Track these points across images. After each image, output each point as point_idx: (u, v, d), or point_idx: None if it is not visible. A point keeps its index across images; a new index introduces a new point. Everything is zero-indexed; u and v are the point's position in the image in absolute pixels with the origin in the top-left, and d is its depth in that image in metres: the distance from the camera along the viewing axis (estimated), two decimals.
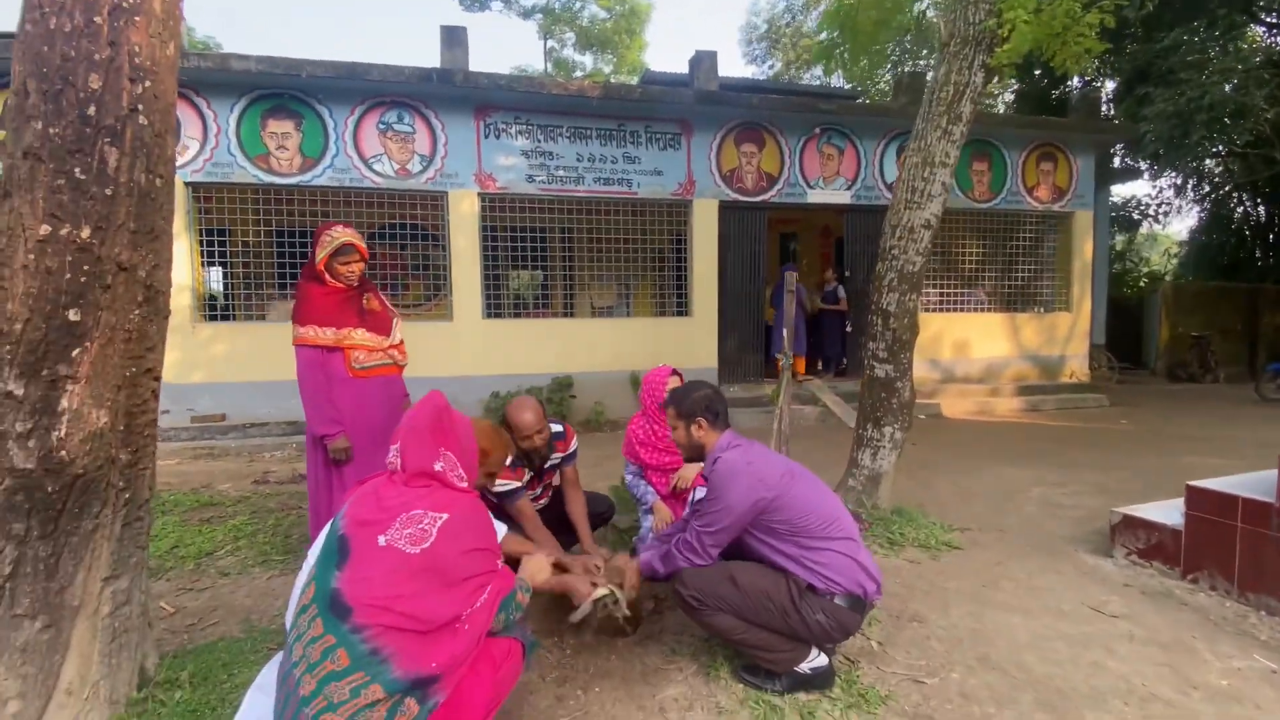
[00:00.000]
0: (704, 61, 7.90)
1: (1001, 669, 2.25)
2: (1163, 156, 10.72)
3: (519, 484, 2.74)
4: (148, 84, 1.84)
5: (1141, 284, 16.83)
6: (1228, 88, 9.15)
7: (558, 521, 2.92)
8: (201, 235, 7.05)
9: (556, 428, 2.89)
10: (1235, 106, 8.93)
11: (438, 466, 1.66)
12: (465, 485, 1.70)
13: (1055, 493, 4.55)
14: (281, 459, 6.18)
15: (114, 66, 1.76)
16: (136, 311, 1.84)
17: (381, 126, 7.06)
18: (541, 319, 8.48)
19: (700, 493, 2.83)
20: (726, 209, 8.07)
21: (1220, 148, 11.39)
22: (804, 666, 2.08)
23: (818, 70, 17.98)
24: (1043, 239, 9.69)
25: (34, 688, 1.72)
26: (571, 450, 2.95)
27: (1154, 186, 16.10)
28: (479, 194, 7.36)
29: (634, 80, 17.23)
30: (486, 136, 7.32)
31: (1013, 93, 15.65)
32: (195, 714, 1.97)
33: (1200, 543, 2.79)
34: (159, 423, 6.83)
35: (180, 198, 6.66)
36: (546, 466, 2.89)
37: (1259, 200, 15.23)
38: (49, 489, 1.71)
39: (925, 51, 15.18)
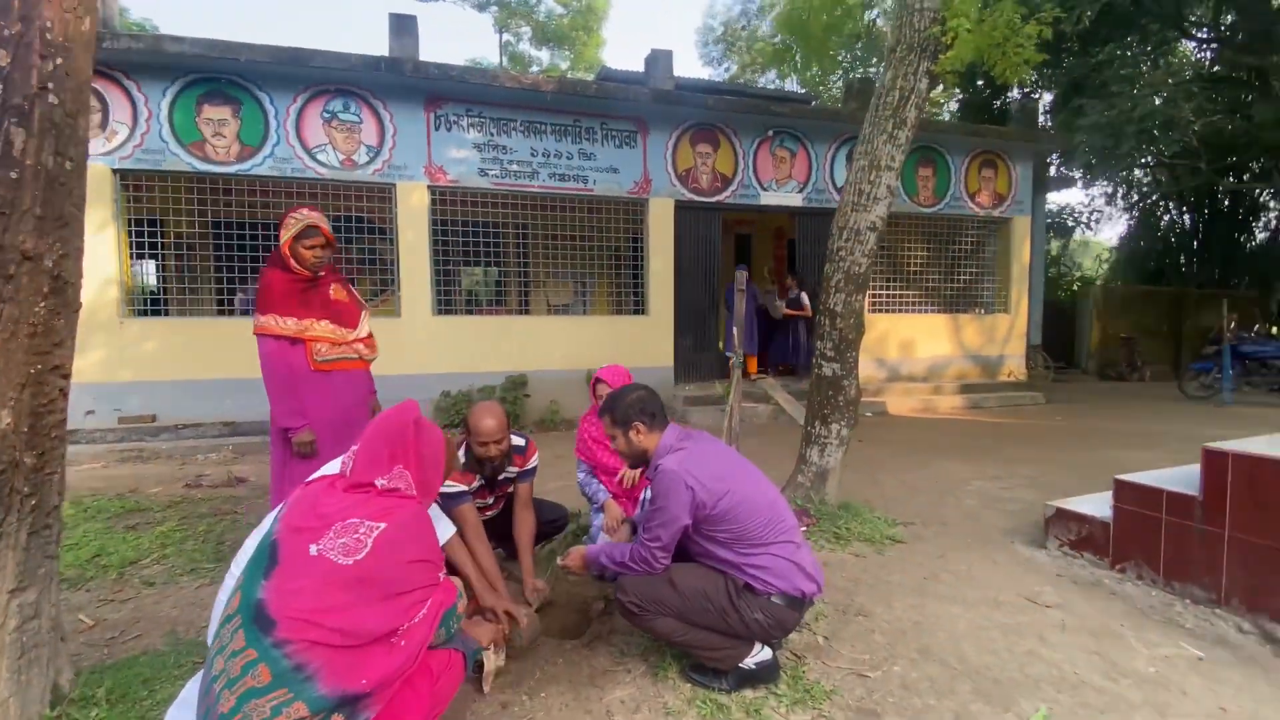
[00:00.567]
0: (660, 60, 7.91)
1: (941, 660, 2.31)
2: (1095, 166, 11.30)
3: (464, 488, 2.66)
4: (60, 61, 1.71)
5: (1075, 288, 17.71)
6: (1158, 101, 9.69)
7: (507, 533, 2.86)
8: (130, 225, 6.66)
9: (518, 441, 2.81)
10: (1164, 119, 9.46)
11: (379, 482, 1.60)
12: (411, 495, 1.63)
13: (994, 487, 4.72)
14: (216, 461, 5.90)
15: (24, 43, 1.64)
16: (42, 304, 1.71)
17: (326, 115, 6.80)
18: (495, 316, 8.34)
19: (650, 494, 2.82)
20: (682, 208, 8.11)
21: (1149, 159, 12.08)
22: (749, 662, 2.09)
23: (772, 74, 18.27)
24: (984, 243, 10.08)
25: None
26: (529, 467, 2.86)
27: (1087, 195, 17.07)
28: (429, 187, 7.18)
29: (591, 77, 17.18)
30: (437, 128, 7.15)
31: (957, 101, 16.25)
32: None
33: (1128, 534, 2.93)
34: (83, 424, 6.38)
35: (107, 186, 6.29)
36: (501, 479, 2.80)
37: (1184, 210, 16.24)
38: None
39: (875, 59, 15.61)
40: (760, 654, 2.11)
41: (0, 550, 1.67)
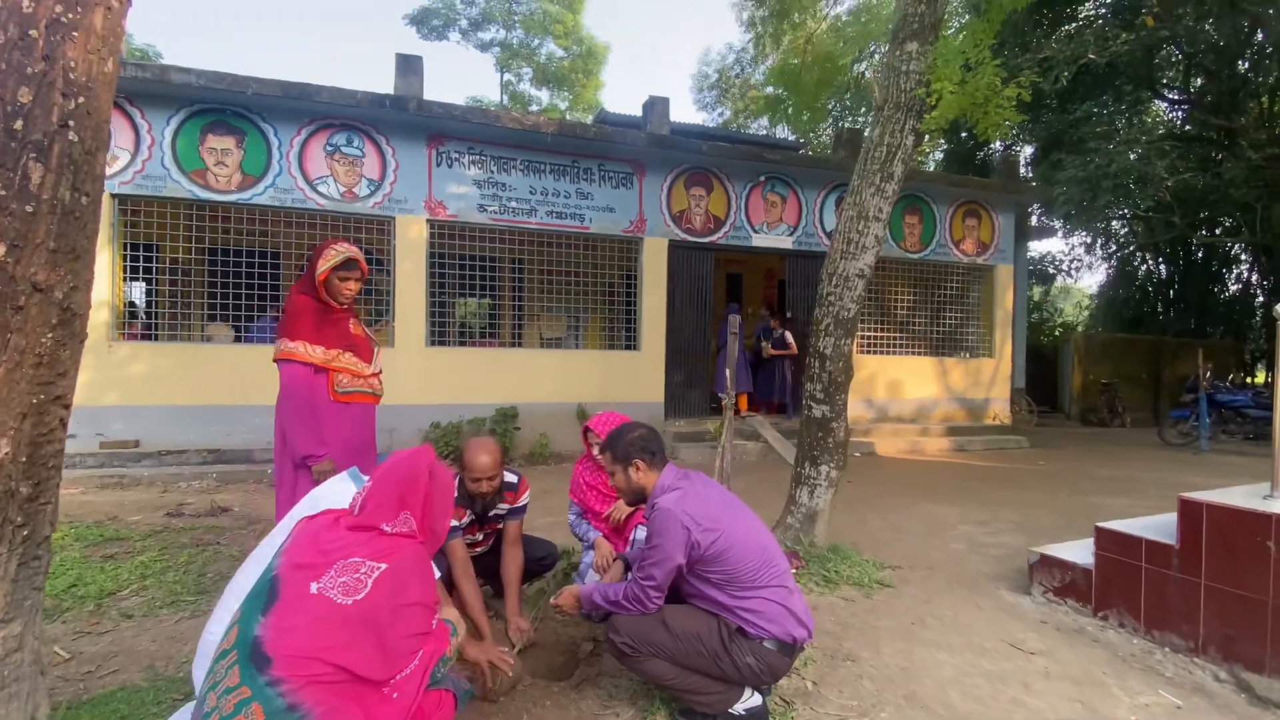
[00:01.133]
0: (657, 106, 8.18)
1: (928, 707, 2.31)
2: (1074, 217, 11.68)
3: (456, 523, 2.66)
4: (81, 100, 1.77)
5: (1056, 333, 18.09)
6: (1133, 156, 10.10)
7: (495, 569, 2.85)
8: (126, 250, 6.68)
9: (511, 478, 2.82)
10: (1139, 174, 9.85)
11: (386, 528, 1.61)
12: (413, 534, 1.65)
13: (979, 531, 4.76)
14: (199, 490, 5.81)
15: (46, 81, 1.69)
16: (49, 335, 1.73)
17: (329, 148, 6.93)
18: (488, 349, 8.38)
19: (641, 532, 2.83)
20: (676, 248, 8.27)
21: (1125, 211, 12.51)
22: (738, 708, 2.09)
23: (764, 120, 18.86)
24: (968, 289, 10.32)
25: None
26: (520, 505, 2.86)
27: (1067, 244, 17.57)
28: (428, 220, 7.29)
29: (589, 118, 17.58)
30: (439, 164, 7.30)
31: (942, 152, 16.82)
32: None
33: (1109, 581, 2.97)
34: (68, 448, 6.33)
35: (105, 210, 6.31)
36: (490, 515, 2.81)
37: (1160, 260, 16.75)
38: None
39: (863, 109, 16.16)
40: (750, 700, 2.11)
41: None
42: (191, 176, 6.57)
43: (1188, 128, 13.08)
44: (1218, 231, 14.29)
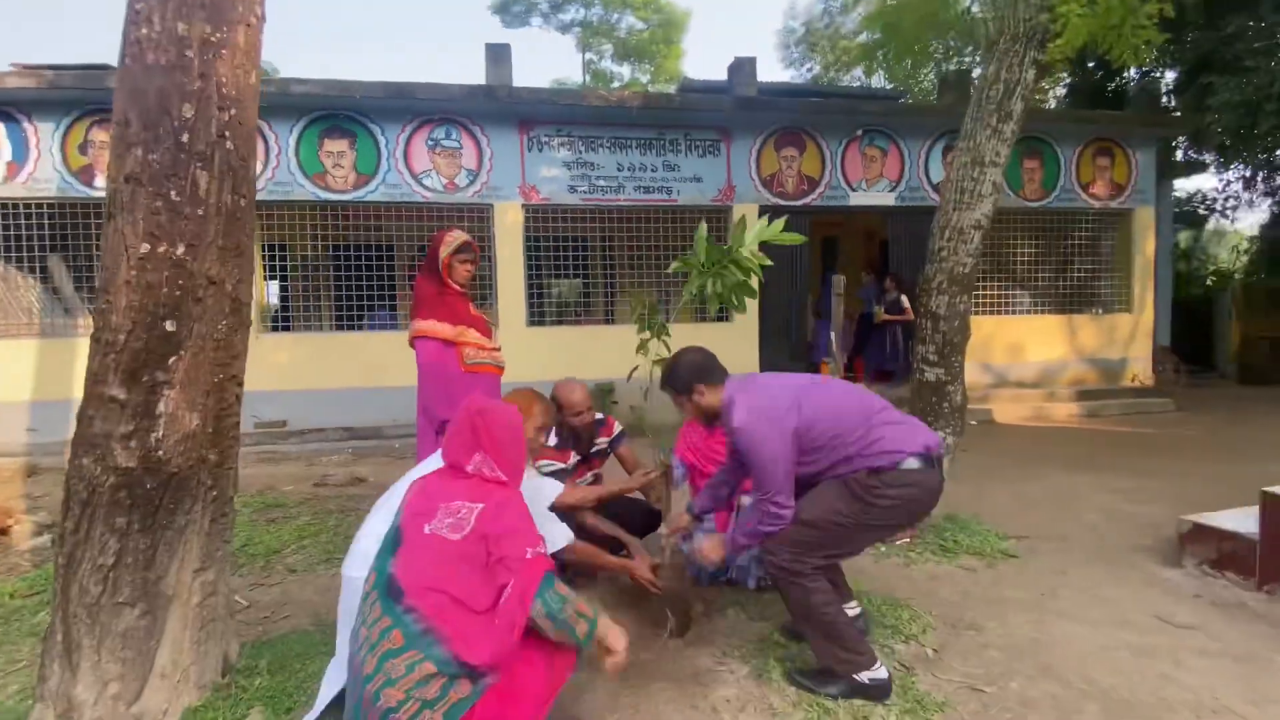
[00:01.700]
0: (743, 68, 7.94)
1: (1064, 679, 2.19)
2: (1230, 148, 10.21)
3: (564, 466, 2.85)
4: (234, 112, 1.99)
5: (1210, 282, 15.97)
6: None
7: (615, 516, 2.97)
8: (264, 250, 7.42)
9: (599, 415, 3.03)
10: None
11: (469, 467, 1.74)
12: (504, 479, 1.76)
13: (1119, 500, 4.38)
14: (338, 463, 6.43)
15: (204, 96, 1.92)
16: (224, 322, 1.98)
17: (430, 143, 7.32)
18: (583, 326, 8.60)
19: (747, 499, 2.83)
20: (767, 214, 8.03)
21: None
22: (864, 676, 2.06)
23: (858, 72, 17.78)
24: (1100, 237, 9.33)
25: (132, 670, 1.87)
26: (617, 434, 3.09)
27: (1221, 180, 15.30)
28: (523, 205, 7.54)
29: (671, 88, 17.33)
30: (530, 150, 7.51)
31: (1064, 87, 15.11)
32: (274, 700, 2.10)
33: (1277, 552, 2.66)
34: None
35: None
36: (593, 452, 2.99)
37: None
38: (148, 486, 1.85)
39: (970, 50, 14.84)
40: (877, 670, 2.07)
41: (188, 534, 1.95)
42: (313, 180, 7.16)
43: None
44: None
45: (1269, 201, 15.59)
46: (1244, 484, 4.50)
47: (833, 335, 2.77)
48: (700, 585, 2.89)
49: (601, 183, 7.67)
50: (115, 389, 1.83)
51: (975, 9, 8.63)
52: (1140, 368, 9.28)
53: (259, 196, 7.06)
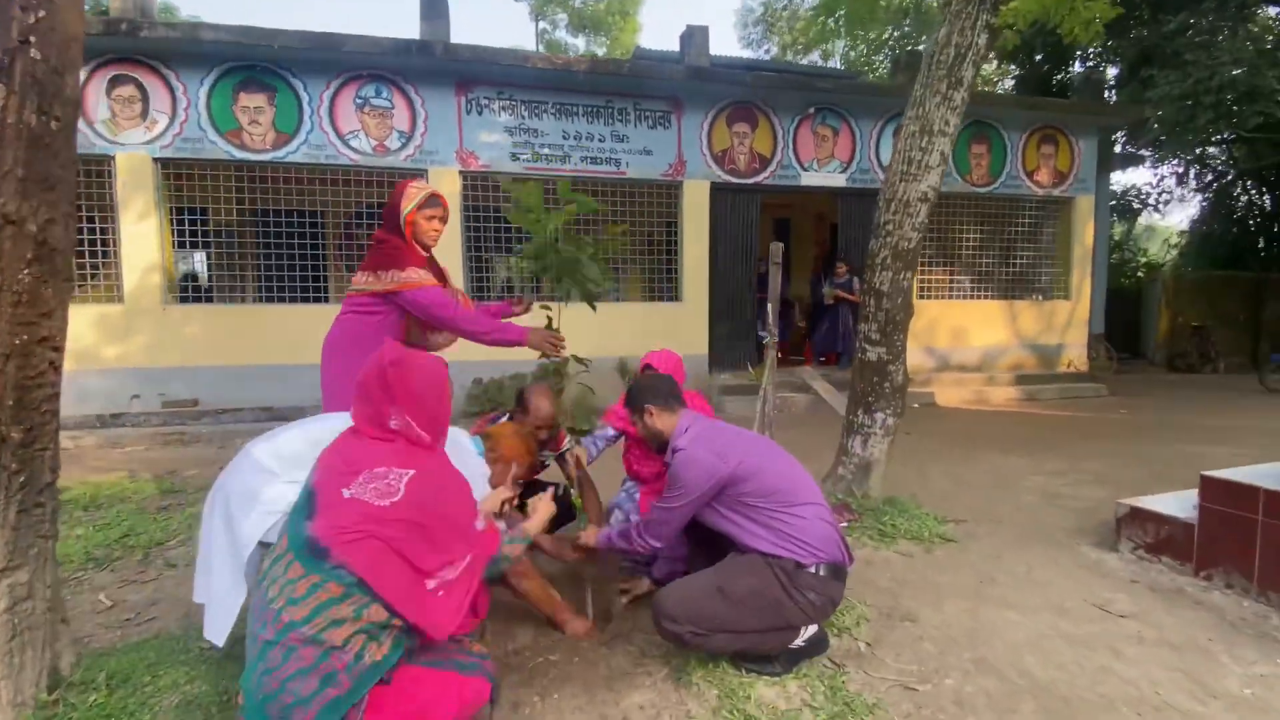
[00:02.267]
0: (695, 36, 7.64)
1: (1000, 673, 2.06)
2: (1166, 141, 10.52)
3: None
4: (42, 14, 1.61)
5: (1140, 274, 16.65)
6: (1237, 71, 8.91)
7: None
8: (173, 214, 6.78)
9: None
10: (1246, 89, 8.69)
11: (393, 424, 1.57)
12: (427, 439, 1.59)
13: (1055, 482, 4.37)
14: None
15: None
16: (26, 271, 1.62)
17: (358, 101, 6.78)
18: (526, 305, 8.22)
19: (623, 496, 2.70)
20: (718, 190, 7.83)
21: (1227, 132, 11.17)
22: (798, 642, 2.02)
23: (815, 56, 17.69)
24: (1042, 224, 9.48)
25: None
26: (562, 451, 2.88)
27: (1155, 174, 15.91)
28: (460, 172, 7.10)
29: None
30: (468, 113, 7.05)
31: (1012, 78, 15.38)
32: (109, 719, 1.78)
33: (1215, 537, 2.60)
34: (129, 407, 6.49)
35: (148, 174, 6.41)
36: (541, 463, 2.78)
37: (1264, 189, 15.02)
38: None
39: (924, 37, 14.89)
40: (808, 631, 2.02)
41: None
42: (228, 137, 6.55)
43: None
44: None
45: (1200, 197, 16.31)
46: (1176, 467, 4.57)
47: (769, 308, 2.58)
48: (627, 570, 2.69)
49: (546, 150, 7.29)
50: None
51: None
52: (1076, 354, 9.52)
53: (165, 154, 6.47)
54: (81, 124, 6.18)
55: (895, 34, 14.92)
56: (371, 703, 1.36)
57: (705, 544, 2.18)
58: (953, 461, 4.96)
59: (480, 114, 7.08)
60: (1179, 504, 2.84)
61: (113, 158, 6.32)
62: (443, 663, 1.51)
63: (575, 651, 2.20)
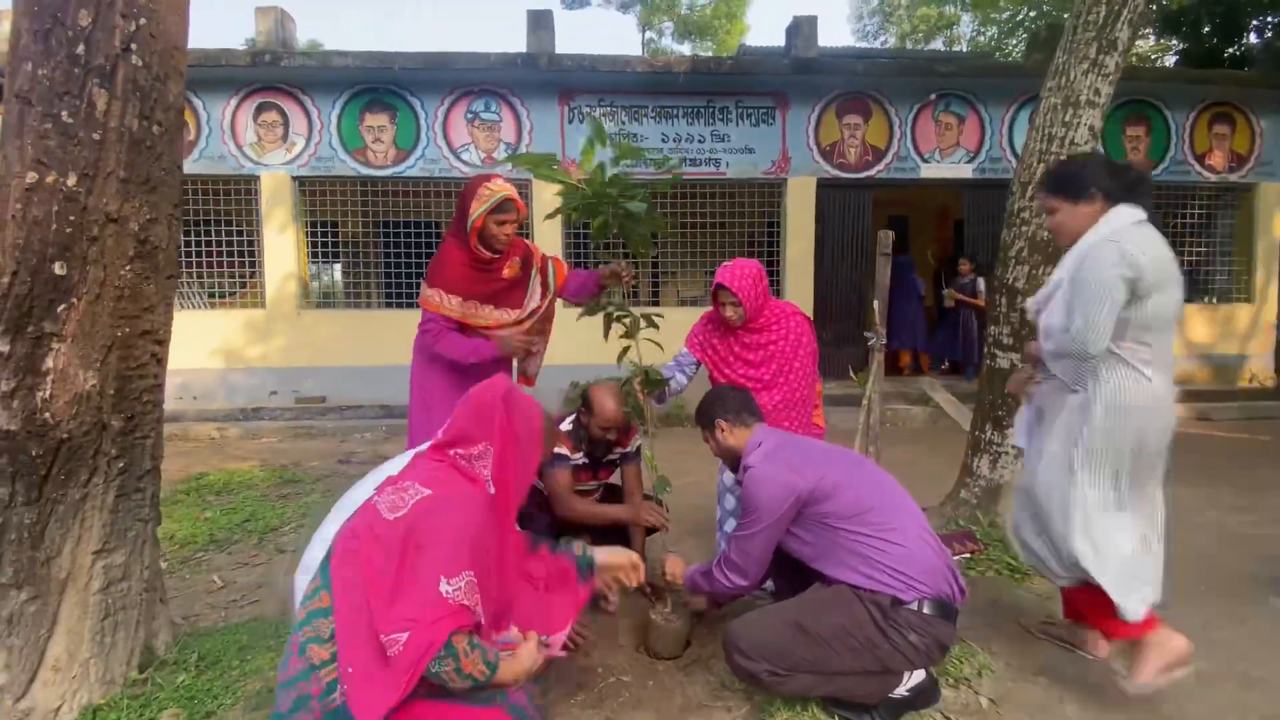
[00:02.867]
0: (802, 28, 7.29)
1: None
2: None
3: (570, 455, 2.54)
4: (143, 21, 1.70)
5: None
6: None
7: (601, 530, 2.63)
8: (308, 227, 7.42)
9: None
10: None
11: (454, 452, 1.52)
12: (483, 478, 1.51)
13: (1235, 520, 3.64)
14: (370, 440, 6.34)
15: (105, 2, 1.63)
16: (128, 267, 1.71)
17: (469, 116, 7.09)
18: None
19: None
20: (825, 187, 7.41)
21: None
22: (901, 690, 1.73)
23: (939, 44, 16.49)
24: (1216, 215, 8.15)
25: (19, 661, 1.64)
26: (633, 449, 2.71)
27: None
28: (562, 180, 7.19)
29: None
30: (570, 121, 7.16)
31: (1174, 54, 13.47)
32: (193, 701, 1.84)
33: None
34: (266, 402, 7.11)
35: (287, 191, 7.05)
36: (606, 460, 2.69)
37: None
38: (33, 452, 1.60)
39: (1066, 15, 13.43)
40: (913, 679, 1.73)
41: (86, 510, 1.69)
42: (354, 155, 7.08)
43: None
44: None
45: None
46: None
47: (875, 305, 2.28)
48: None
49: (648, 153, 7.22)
50: None
51: None
52: (1260, 366, 8.07)
53: (302, 172, 7.09)
54: (231, 147, 6.97)
55: (1031, 13, 13.57)
56: None
57: (789, 572, 1.93)
58: None
59: (581, 121, 7.16)
60: None
61: (258, 178, 7.02)
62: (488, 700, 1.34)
63: (651, 674, 2.04)
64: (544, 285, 2.82)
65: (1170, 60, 13.84)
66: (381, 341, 7.19)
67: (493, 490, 1.52)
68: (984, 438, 3.23)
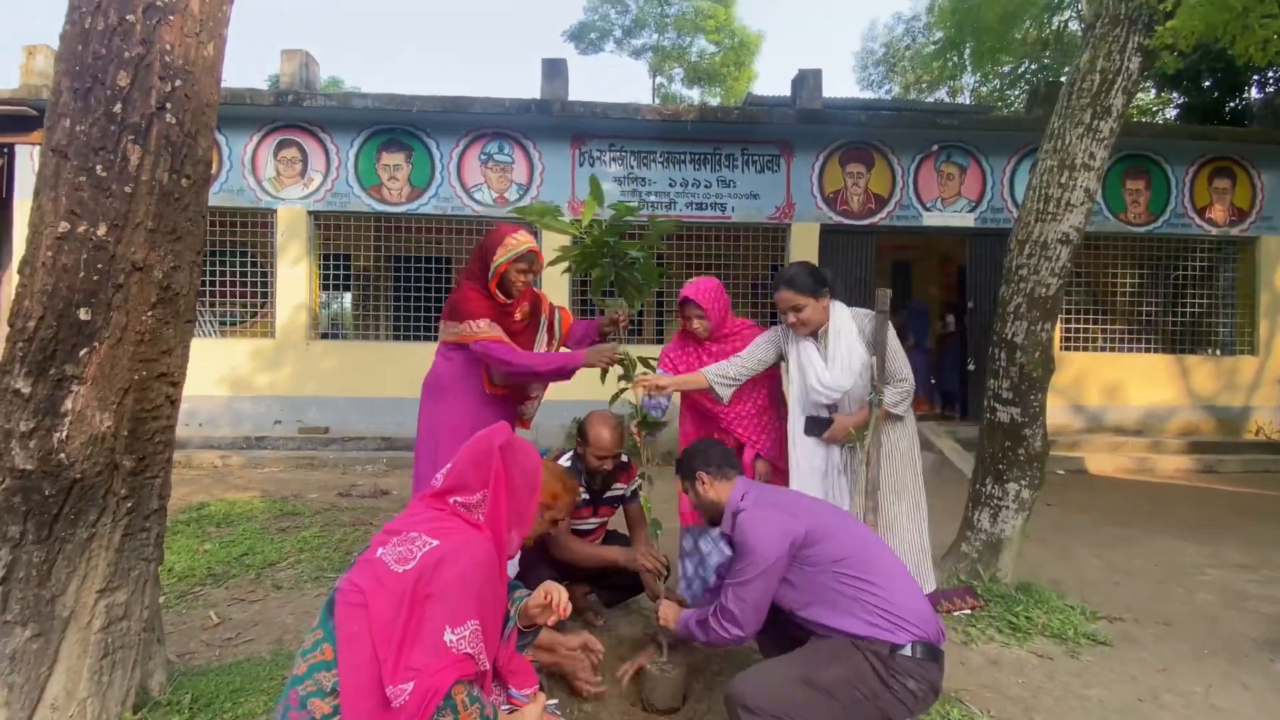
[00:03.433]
0: (808, 80, 7.52)
1: None
2: None
3: (584, 527, 2.56)
4: (179, 83, 1.80)
5: None
6: None
7: (599, 571, 2.64)
8: (320, 260, 7.57)
9: (623, 458, 2.70)
10: None
11: (453, 500, 1.55)
12: (480, 523, 1.53)
13: (1240, 578, 3.60)
14: (370, 473, 6.35)
15: (144, 64, 1.73)
16: (150, 313, 1.77)
17: (483, 157, 7.29)
18: (630, 347, 8.29)
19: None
20: (829, 233, 7.53)
21: None
22: None
23: (942, 94, 16.90)
24: (1218, 268, 8.23)
25: (19, 698, 1.64)
26: (634, 487, 2.75)
27: None
28: (572, 221, 7.34)
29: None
30: (581, 164, 7.35)
31: (1175, 107, 13.75)
32: None
33: None
34: (270, 431, 7.13)
35: (302, 225, 7.22)
36: (605, 497, 2.71)
37: None
38: (46, 492, 1.64)
39: (1067, 69, 13.79)
40: None
41: (92, 549, 1.72)
42: (370, 191, 7.26)
43: None
44: None
45: None
46: None
47: (873, 361, 2.32)
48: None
49: (652, 198, 7.41)
50: (19, 381, 1.63)
51: (1070, 24, 7.81)
52: (1266, 419, 8.03)
53: (318, 207, 7.27)
54: (251, 181, 7.17)
55: (1033, 66, 13.93)
56: None
57: (769, 625, 1.88)
58: (1106, 543, 4.24)
59: (592, 165, 7.35)
60: None
61: (275, 211, 7.20)
62: None
63: None
64: (550, 333, 2.89)
65: (1171, 113, 14.13)
66: (385, 373, 7.26)
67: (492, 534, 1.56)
68: (984, 491, 3.23)
